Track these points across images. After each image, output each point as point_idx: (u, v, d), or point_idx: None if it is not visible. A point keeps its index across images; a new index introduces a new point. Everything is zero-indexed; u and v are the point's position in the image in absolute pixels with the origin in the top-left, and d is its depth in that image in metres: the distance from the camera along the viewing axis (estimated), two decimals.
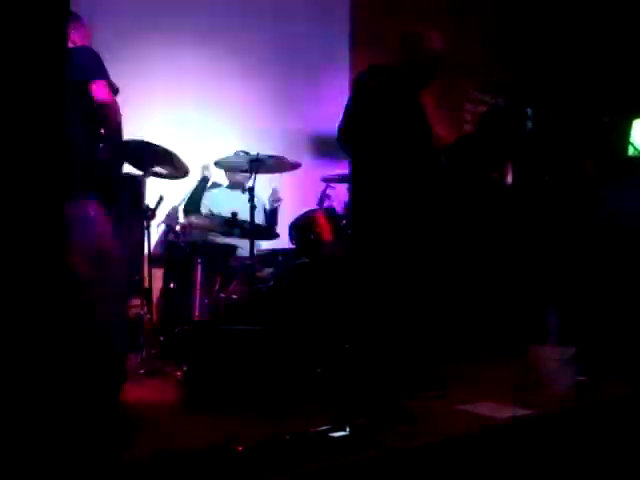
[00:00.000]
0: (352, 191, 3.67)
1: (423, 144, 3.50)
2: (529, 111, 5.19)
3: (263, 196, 4.99)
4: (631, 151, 5.60)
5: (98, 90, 3.01)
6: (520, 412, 2.88)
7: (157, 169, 4.01)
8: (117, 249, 2.97)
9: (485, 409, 2.93)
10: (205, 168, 4.98)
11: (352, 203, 3.71)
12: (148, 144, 3.86)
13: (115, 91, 3.22)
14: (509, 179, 5.02)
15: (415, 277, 3.38)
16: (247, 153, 4.30)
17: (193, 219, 4.45)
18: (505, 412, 2.87)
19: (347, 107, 3.60)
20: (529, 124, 5.17)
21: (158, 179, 4.12)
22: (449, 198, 3.95)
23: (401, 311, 3.32)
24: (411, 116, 3.48)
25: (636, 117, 5.71)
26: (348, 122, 3.56)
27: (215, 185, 5.16)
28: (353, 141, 3.55)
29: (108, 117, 3.06)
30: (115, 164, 3.30)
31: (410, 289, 3.35)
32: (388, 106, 3.45)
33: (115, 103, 3.11)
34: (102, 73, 3.09)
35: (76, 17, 3.36)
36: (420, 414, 2.80)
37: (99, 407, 2.46)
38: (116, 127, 3.14)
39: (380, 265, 3.37)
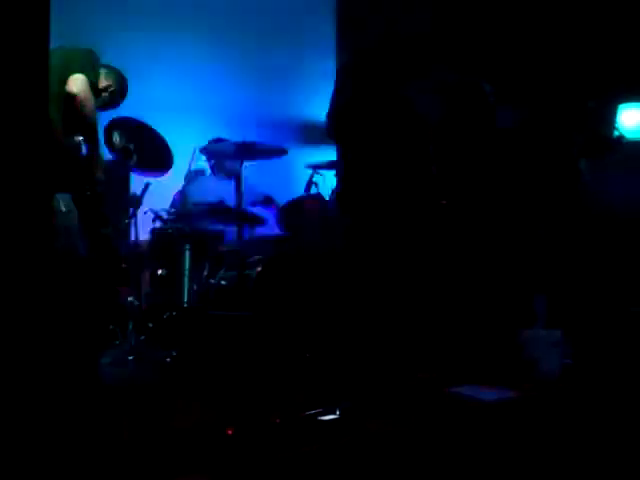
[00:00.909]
0: (339, 180, 3.68)
1: (410, 132, 3.52)
2: (487, 87, 5.14)
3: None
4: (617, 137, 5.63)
5: (72, 83, 3.06)
6: (507, 394, 2.91)
7: (140, 160, 4.01)
8: (82, 248, 2.96)
9: (473, 391, 2.95)
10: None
11: (339, 191, 3.72)
12: (134, 123, 3.87)
13: (96, 92, 3.23)
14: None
15: (404, 263, 3.40)
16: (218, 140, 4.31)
17: (180, 206, 4.45)
18: (492, 394, 2.90)
19: (333, 95, 3.61)
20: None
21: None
22: (437, 186, 3.95)
23: (390, 295, 3.34)
24: (397, 104, 3.49)
25: (622, 103, 5.74)
26: (335, 111, 3.57)
27: (200, 172, 5.15)
28: (341, 129, 3.56)
29: (77, 110, 3.07)
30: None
31: (399, 274, 3.37)
32: (374, 92, 3.45)
33: (87, 98, 3.12)
34: (85, 69, 3.12)
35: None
36: (408, 396, 2.83)
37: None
38: (86, 123, 3.15)
39: (369, 252, 3.39)
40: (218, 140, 4.66)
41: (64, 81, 3.04)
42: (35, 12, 1.70)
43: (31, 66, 1.69)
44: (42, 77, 1.74)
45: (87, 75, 3.12)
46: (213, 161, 5.02)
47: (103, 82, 3.47)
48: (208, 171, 5.12)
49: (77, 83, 3.07)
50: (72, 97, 3.05)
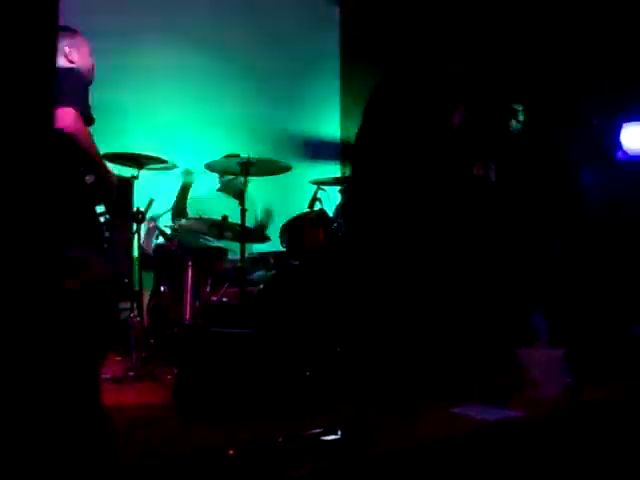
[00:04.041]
0: (349, 194, 3.71)
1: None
2: (518, 108, 5.17)
3: (255, 199, 4.99)
4: (620, 155, 5.64)
5: (63, 118, 2.86)
6: (510, 414, 2.90)
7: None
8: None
9: (476, 411, 2.94)
10: (186, 173, 4.93)
11: (347, 205, 3.74)
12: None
13: (89, 121, 3.13)
14: (492, 176, 5.01)
15: (409, 280, 3.40)
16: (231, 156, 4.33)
17: (183, 222, 4.45)
18: (496, 414, 2.88)
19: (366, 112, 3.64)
20: (515, 123, 5.16)
21: (148, 182, 4.14)
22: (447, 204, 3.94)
23: (391, 314, 3.33)
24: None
25: (626, 121, 5.75)
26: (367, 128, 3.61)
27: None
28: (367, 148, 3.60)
29: (75, 147, 2.97)
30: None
31: (402, 291, 3.37)
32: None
33: (83, 133, 3.00)
34: (73, 100, 2.95)
35: (72, 32, 3.31)
36: (410, 416, 2.83)
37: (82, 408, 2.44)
38: (88, 158, 3.07)
39: (375, 269, 3.39)
40: (231, 156, 4.71)
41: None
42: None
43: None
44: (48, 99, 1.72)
45: (75, 104, 2.98)
46: (224, 179, 5.03)
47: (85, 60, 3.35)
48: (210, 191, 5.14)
49: (66, 118, 2.88)
50: (67, 135, 2.86)
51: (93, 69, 3.40)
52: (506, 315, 4.48)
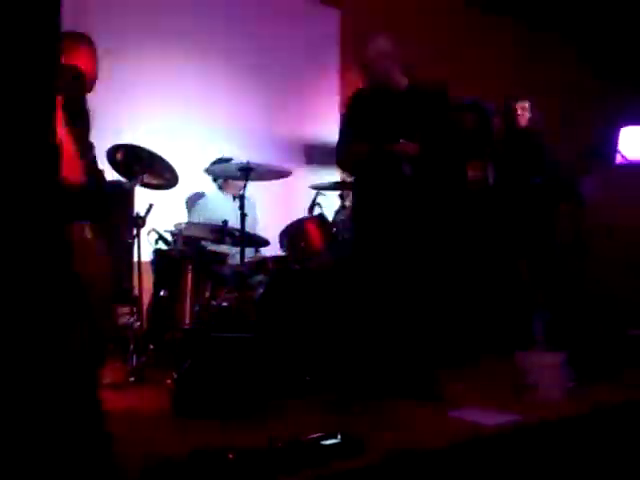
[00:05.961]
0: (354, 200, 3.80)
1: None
2: (524, 104, 5.21)
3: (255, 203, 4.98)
4: (619, 159, 5.66)
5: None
6: (509, 418, 2.90)
7: (146, 178, 4.01)
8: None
9: (473, 415, 2.94)
10: None
11: (353, 211, 3.82)
12: (137, 148, 3.89)
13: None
14: (491, 179, 5.03)
15: (412, 282, 3.41)
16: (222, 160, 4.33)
17: (183, 227, 4.45)
18: (494, 418, 2.88)
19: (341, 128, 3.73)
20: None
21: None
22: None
23: (398, 315, 3.35)
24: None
25: (624, 125, 5.77)
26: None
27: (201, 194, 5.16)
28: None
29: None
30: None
31: (406, 293, 3.38)
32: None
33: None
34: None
35: (80, 38, 3.33)
36: (408, 421, 2.83)
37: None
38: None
39: (378, 270, 3.42)
40: (222, 160, 4.69)
41: None
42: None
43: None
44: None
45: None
46: (221, 180, 5.03)
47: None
48: (211, 191, 5.13)
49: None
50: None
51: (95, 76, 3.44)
52: (505, 318, 4.49)
